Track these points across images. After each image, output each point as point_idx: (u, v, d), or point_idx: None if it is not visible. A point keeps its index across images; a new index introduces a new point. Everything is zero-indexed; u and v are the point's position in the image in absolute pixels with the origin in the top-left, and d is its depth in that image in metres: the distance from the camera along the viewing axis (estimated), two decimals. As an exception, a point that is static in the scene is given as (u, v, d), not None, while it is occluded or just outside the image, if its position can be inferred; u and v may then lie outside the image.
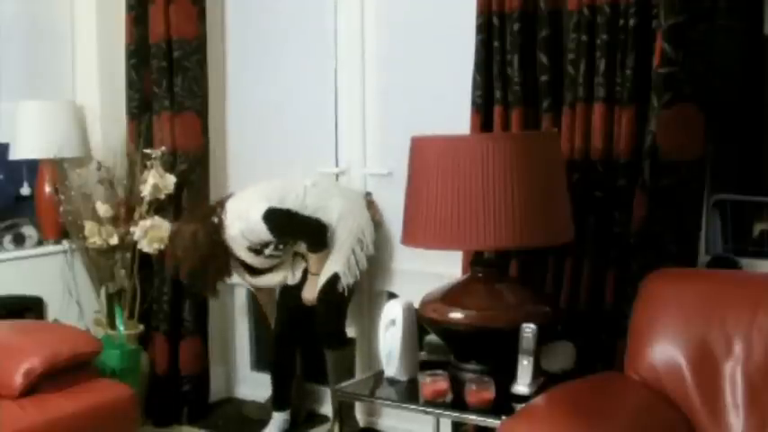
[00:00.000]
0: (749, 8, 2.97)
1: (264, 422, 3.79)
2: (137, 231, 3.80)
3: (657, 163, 2.79)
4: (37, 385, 2.91)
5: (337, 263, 3.51)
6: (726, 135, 3.05)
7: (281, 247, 3.54)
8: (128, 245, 3.88)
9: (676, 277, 2.63)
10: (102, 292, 3.95)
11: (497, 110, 3.11)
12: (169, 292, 4.02)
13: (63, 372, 2.96)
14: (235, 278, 4.23)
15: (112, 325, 3.89)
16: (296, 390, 3.84)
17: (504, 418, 2.41)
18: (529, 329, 2.61)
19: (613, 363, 2.80)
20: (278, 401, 3.81)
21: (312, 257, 3.55)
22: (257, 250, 3.50)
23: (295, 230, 3.50)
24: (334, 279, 3.51)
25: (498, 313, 2.72)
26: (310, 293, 3.58)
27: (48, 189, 3.92)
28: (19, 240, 3.88)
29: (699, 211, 2.89)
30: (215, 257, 3.44)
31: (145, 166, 3.86)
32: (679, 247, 2.82)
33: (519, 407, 2.47)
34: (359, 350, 3.89)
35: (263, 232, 3.38)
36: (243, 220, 3.39)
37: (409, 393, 2.81)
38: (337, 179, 3.84)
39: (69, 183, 3.88)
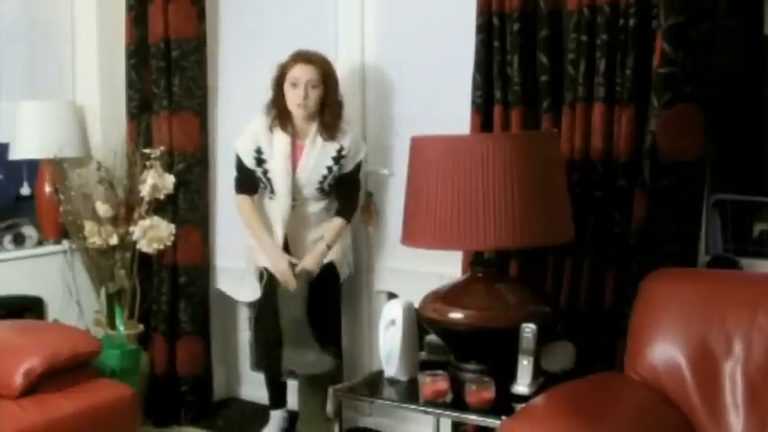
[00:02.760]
0: (749, 8, 2.97)
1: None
2: (136, 231, 3.80)
3: (657, 163, 2.79)
4: (37, 385, 2.90)
5: (333, 253, 3.56)
6: (726, 135, 3.05)
7: (326, 188, 3.51)
8: (127, 245, 3.88)
9: (676, 277, 2.63)
10: (102, 292, 3.95)
11: (497, 110, 3.11)
12: (167, 292, 4.03)
13: (63, 372, 2.96)
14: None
15: (112, 325, 3.89)
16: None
17: (504, 418, 2.41)
18: (529, 329, 2.61)
19: (613, 363, 2.80)
20: (274, 400, 3.82)
21: (332, 226, 3.53)
22: (322, 188, 3.49)
23: (357, 183, 3.60)
24: (336, 277, 3.59)
25: (498, 313, 2.72)
26: (313, 263, 3.49)
27: (48, 189, 3.92)
28: (19, 240, 3.88)
29: (699, 211, 2.89)
30: None
31: (144, 166, 3.86)
32: (679, 247, 2.82)
33: (519, 407, 2.47)
34: (359, 350, 3.90)
35: (355, 158, 3.52)
36: (358, 142, 3.55)
37: (409, 393, 2.81)
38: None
39: (69, 183, 3.88)
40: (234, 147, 3.59)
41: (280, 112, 3.45)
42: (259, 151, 3.49)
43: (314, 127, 3.46)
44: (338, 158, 3.47)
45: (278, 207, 3.51)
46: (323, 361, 3.44)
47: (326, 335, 3.64)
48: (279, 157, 3.46)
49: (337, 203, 3.58)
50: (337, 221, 3.54)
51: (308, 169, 3.47)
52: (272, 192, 3.52)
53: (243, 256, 3.76)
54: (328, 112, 3.43)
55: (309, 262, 3.50)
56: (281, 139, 3.46)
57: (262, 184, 3.56)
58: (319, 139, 3.45)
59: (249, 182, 3.57)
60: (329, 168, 3.47)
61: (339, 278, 3.64)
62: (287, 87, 3.41)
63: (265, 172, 3.50)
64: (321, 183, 3.49)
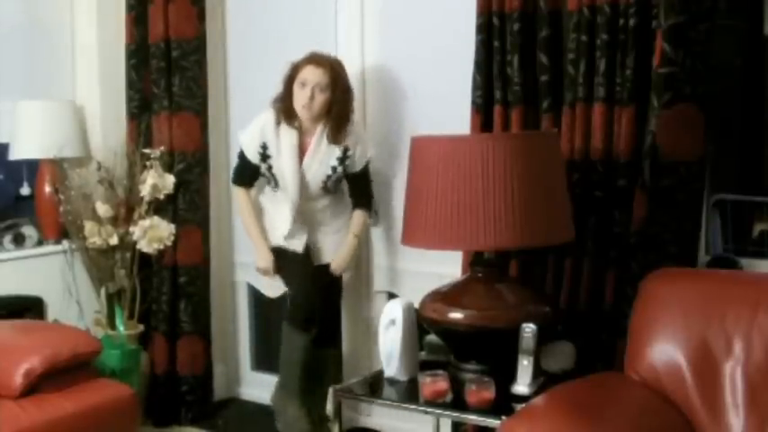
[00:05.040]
0: (749, 8, 2.98)
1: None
2: (136, 231, 3.80)
3: (657, 163, 2.79)
4: (37, 385, 2.91)
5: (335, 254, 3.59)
6: (726, 135, 3.05)
7: (329, 187, 3.52)
8: (127, 245, 3.88)
9: (676, 277, 2.63)
10: (102, 292, 3.95)
11: (497, 110, 3.11)
12: (168, 292, 4.03)
13: (63, 372, 2.96)
14: (237, 276, 4.22)
15: (112, 325, 3.89)
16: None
17: (504, 418, 2.41)
18: (529, 329, 2.61)
19: (613, 363, 2.80)
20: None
21: (356, 217, 3.57)
22: (325, 187, 3.51)
23: (368, 178, 3.59)
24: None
25: (498, 313, 2.72)
26: (347, 259, 3.56)
27: (48, 189, 3.92)
28: (19, 240, 3.88)
29: (699, 211, 2.89)
30: None
31: (144, 166, 3.86)
32: (679, 247, 2.82)
33: (519, 407, 2.47)
34: (359, 350, 3.90)
35: (362, 159, 3.50)
36: (365, 142, 3.53)
37: (409, 393, 2.81)
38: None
39: (69, 183, 3.88)
40: (238, 139, 3.59)
41: (286, 109, 3.44)
42: (264, 147, 3.47)
43: (319, 127, 3.45)
44: (343, 159, 3.47)
45: (285, 202, 3.50)
46: (299, 423, 3.51)
47: (327, 333, 3.66)
48: (286, 153, 3.45)
49: (353, 200, 3.59)
50: (359, 213, 3.58)
51: (312, 168, 3.47)
52: (276, 186, 3.51)
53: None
54: (334, 118, 3.41)
55: (342, 259, 3.55)
56: (288, 135, 3.45)
57: (265, 179, 3.56)
58: (324, 141, 3.45)
59: (249, 174, 3.59)
60: (333, 168, 3.48)
61: (341, 277, 3.64)
62: (296, 87, 3.40)
63: (270, 168, 3.49)
64: (325, 182, 3.49)
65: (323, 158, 3.47)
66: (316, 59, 3.40)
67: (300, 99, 3.38)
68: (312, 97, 3.36)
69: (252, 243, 3.64)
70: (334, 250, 3.59)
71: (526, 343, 2.62)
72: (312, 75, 3.37)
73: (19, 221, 3.93)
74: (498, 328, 2.69)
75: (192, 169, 4.00)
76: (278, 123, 3.46)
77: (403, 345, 2.85)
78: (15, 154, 3.93)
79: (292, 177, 3.45)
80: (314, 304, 3.52)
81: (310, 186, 3.49)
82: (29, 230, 3.92)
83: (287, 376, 3.60)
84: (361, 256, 3.83)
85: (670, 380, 2.48)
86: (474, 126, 3.16)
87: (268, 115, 3.48)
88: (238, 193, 3.66)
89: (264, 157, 3.48)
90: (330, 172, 3.48)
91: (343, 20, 3.81)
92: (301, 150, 3.47)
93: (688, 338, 2.48)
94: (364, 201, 3.58)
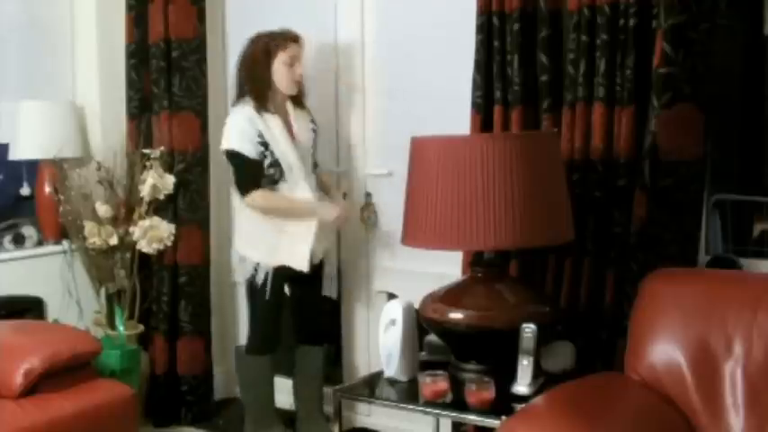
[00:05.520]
0: (749, 8, 2.97)
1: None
2: (136, 231, 3.80)
3: (657, 163, 2.79)
4: (37, 385, 2.91)
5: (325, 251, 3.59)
6: (726, 135, 3.05)
7: (315, 156, 3.58)
8: (127, 245, 3.88)
9: (676, 277, 2.63)
10: (102, 292, 3.95)
11: (497, 110, 3.11)
12: (167, 292, 4.03)
13: (63, 372, 2.97)
14: (237, 276, 4.21)
15: (112, 325, 3.89)
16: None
17: (504, 418, 2.41)
18: (529, 329, 2.62)
19: (613, 363, 2.80)
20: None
21: (327, 179, 3.68)
22: (314, 153, 3.57)
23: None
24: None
25: (498, 313, 2.72)
26: (338, 210, 3.48)
27: (48, 189, 3.91)
28: (19, 240, 3.88)
29: (699, 211, 2.89)
30: None
31: (144, 167, 3.86)
32: (679, 247, 2.83)
33: (519, 407, 2.47)
34: (359, 350, 3.90)
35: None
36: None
37: (409, 393, 2.81)
38: (338, 179, 3.85)
39: (69, 183, 3.88)
40: (228, 147, 3.41)
41: (260, 93, 3.42)
42: (261, 135, 3.38)
43: (287, 100, 3.51)
44: (313, 120, 3.58)
45: (294, 188, 3.43)
46: None
47: (315, 330, 3.66)
48: (281, 135, 3.43)
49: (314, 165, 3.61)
50: (326, 173, 3.70)
51: (302, 135, 3.51)
52: (282, 175, 3.41)
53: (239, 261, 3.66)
54: (302, 85, 3.54)
55: (343, 209, 3.53)
56: (272, 118, 3.44)
57: (272, 171, 3.41)
58: (296, 110, 3.53)
59: (257, 174, 3.39)
60: (314, 130, 3.57)
61: (322, 270, 3.59)
62: (281, 67, 3.42)
63: (272, 154, 3.40)
64: (313, 147, 3.56)
65: (303, 124, 3.53)
66: (293, 36, 3.47)
67: (292, 76, 3.45)
68: (301, 72, 3.47)
69: (308, 215, 3.41)
70: (324, 241, 3.55)
71: (526, 343, 2.62)
72: (297, 51, 3.45)
73: (19, 221, 3.93)
74: (498, 328, 2.69)
75: (191, 169, 4.00)
76: (259, 113, 3.42)
77: (403, 345, 2.85)
78: (15, 154, 3.93)
79: (294, 154, 3.43)
80: (276, 337, 3.57)
81: (308, 156, 3.52)
82: (29, 230, 3.92)
83: (258, 412, 3.63)
84: (361, 256, 3.84)
85: (670, 380, 2.48)
86: (474, 126, 3.16)
87: (247, 109, 3.42)
88: (259, 195, 3.38)
89: (265, 145, 3.38)
90: (313, 135, 3.56)
91: (343, 22, 3.81)
92: (289, 128, 3.49)
93: (688, 338, 2.48)
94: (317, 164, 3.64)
